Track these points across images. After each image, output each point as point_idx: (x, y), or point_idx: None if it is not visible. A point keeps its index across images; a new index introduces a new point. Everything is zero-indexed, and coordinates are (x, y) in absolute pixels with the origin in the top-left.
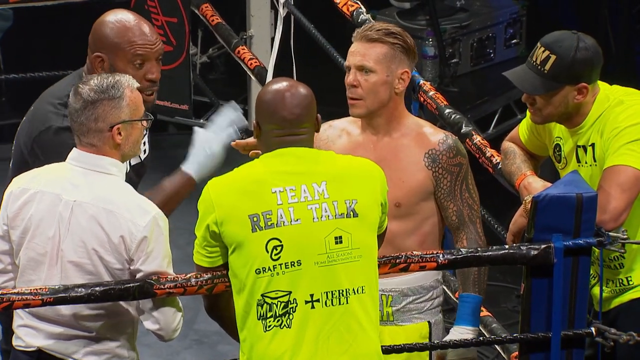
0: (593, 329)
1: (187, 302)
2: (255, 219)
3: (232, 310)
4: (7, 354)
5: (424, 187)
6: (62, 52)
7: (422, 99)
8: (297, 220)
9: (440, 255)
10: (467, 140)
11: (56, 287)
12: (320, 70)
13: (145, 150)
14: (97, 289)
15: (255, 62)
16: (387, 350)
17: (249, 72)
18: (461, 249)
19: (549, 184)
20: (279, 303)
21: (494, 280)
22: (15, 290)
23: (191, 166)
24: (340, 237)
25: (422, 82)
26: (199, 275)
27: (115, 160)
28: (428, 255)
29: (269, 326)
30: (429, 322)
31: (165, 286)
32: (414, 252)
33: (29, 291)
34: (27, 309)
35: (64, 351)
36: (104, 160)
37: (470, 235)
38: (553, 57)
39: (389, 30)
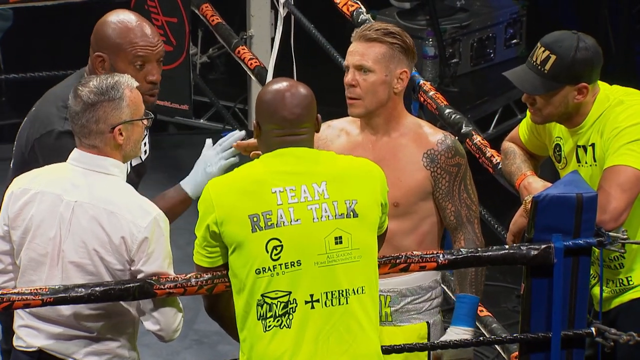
0: (593, 329)
1: (187, 302)
2: (255, 219)
3: (232, 311)
4: (7, 353)
5: (422, 187)
6: (62, 52)
7: (422, 99)
8: (297, 220)
9: (440, 256)
10: (467, 140)
11: (56, 287)
12: (320, 70)
13: (145, 151)
14: (97, 289)
15: (256, 62)
16: (386, 350)
17: (249, 72)
18: (461, 249)
19: (549, 184)
20: (279, 303)
21: (494, 280)
22: (16, 290)
23: (189, 184)
24: (340, 238)
25: (422, 82)
26: (199, 276)
27: (117, 160)
28: (428, 256)
29: (269, 326)
30: (427, 322)
31: (165, 286)
32: (414, 252)
33: (29, 291)
34: (27, 310)
35: (65, 351)
36: (105, 160)
37: (468, 235)
38: (553, 57)
39: (388, 30)
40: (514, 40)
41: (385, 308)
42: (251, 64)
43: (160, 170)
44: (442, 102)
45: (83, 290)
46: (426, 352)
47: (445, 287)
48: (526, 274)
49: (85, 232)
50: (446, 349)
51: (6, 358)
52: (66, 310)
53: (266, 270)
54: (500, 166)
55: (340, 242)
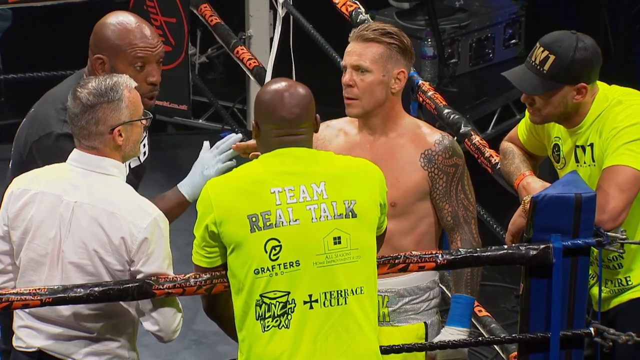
0: (592, 329)
1: (186, 302)
2: (254, 219)
3: (231, 311)
4: (6, 353)
5: (419, 187)
6: (61, 52)
7: (421, 99)
8: (295, 220)
9: (439, 256)
10: (466, 140)
11: (55, 287)
12: (319, 70)
13: (145, 153)
14: (96, 289)
15: (254, 62)
16: (385, 350)
17: (247, 72)
18: (460, 250)
19: (548, 184)
20: (278, 303)
21: (493, 281)
22: (14, 291)
23: (186, 187)
24: (339, 238)
25: (421, 82)
26: (197, 276)
27: (116, 161)
28: (427, 256)
29: (268, 326)
30: (425, 323)
31: (164, 286)
32: (413, 253)
33: (27, 291)
34: (27, 310)
35: (64, 352)
36: (105, 161)
37: (465, 236)
38: (552, 57)
39: (385, 30)
40: (513, 41)
41: (383, 308)
42: (250, 64)
43: (159, 171)
44: (441, 102)
45: (82, 290)
46: (424, 353)
47: (444, 288)
48: (525, 274)
49: (85, 232)
50: (445, 349)
51: (5, 358)
52: (66, 310)
53: (265, 271)
54: (499, 166)
55: (339, 243)
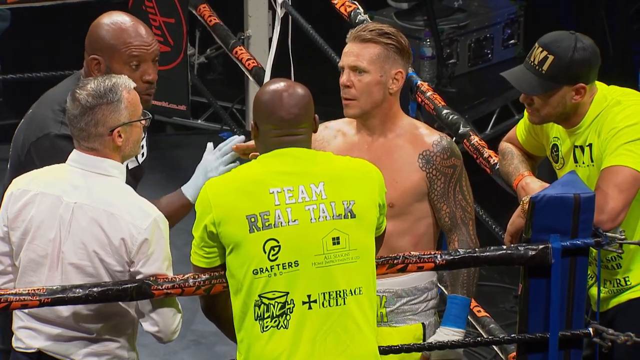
0: (591, 330)
1: (185, 302)
2: (252, 219)
3: (230, 311)
4: (4, 354)
5: (417, 188)
6: (60, 52)
7: (419, 99)
8: (294, 221)
9: (438, 256)
10: (465, 140)
11: (54, 287)
12: (317, 70)
13: (143, 154)
14: (95, 289)
15: (253, 62)
16: (384, 350)
17: (246, 73)
18: (459, 250)
19: (547, 185)
20: (276, 304)
21: (491, 281)
22: (13, 291)
23: (190, 190)
24: (338, 238)
25: (419, 82)
26: (196, 276)
27: (116, 162)
28: (426, 256)
29: (266, 327)
30: (422, 323)
31: (163, 287)
32: (412, 253)
33: (26, 292)
34: (26, 311)
35: (64, 352)
36: (104, 162)
37: (463, 237)
38: (551, 58)
39: (383, 31)
40: (512, 41)
41: (381, 309)
42: (249, 64)
43: (158, 171)
44: (440, 102)
45: (81, 290)
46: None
47: (442, 288)
48: (524, 275)
49: (85, 233)
50: (444, 349)
51: (4, 358)
52: (65, 311)
53: (264, 271)
54: (497, 166)
55: (338, 243)
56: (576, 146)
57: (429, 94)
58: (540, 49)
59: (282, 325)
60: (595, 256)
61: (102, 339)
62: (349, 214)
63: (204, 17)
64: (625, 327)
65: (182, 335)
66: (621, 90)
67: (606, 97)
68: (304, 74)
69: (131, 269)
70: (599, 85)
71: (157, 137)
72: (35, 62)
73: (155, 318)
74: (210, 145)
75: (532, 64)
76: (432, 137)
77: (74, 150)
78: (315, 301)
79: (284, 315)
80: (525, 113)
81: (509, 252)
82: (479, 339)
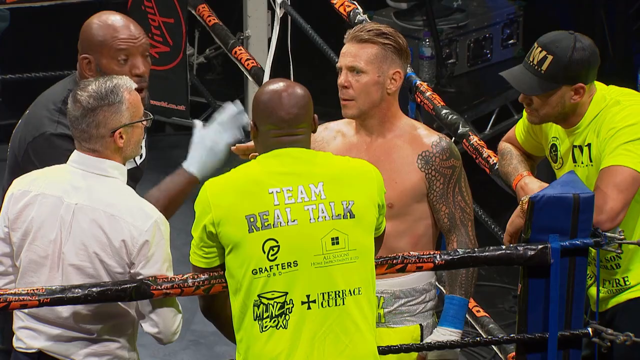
0: (590, 330)
1: (184, 302)
2: (252, 219)
3: (229, 311)
4: (4, 354)
5: (416, 189)
6: (59, 52)
7: (419, 99)
8: (293, 221)
9: (437, 256)
10: (464, 140)
11: (53, 287)
12: (317, 70)
13: (141, 155)
14: (94, 289)
15: (252, 62)
16: (383, 351)
17: (245, 73)
18: (458, 250)
19: (546, 185)
20: (276, 304)
21: (491, 281)
22: (12, 291)
23: (193, 165)
24: (337, 238)
25: (419, 82)
26: (195, 276)
27: (117, 163)
28: (425, 256)
29: (265, 327)
30: (420, 325)
31: (162, 287)
32: (411, 253)
33: (25, 292)
34: (26, 311)
35: (65, 353)
36: (105, 163)
37: (461, 238)
38: (550, 58)
39: (380, 31)
40: (511, 41)
41: (379, 309)
42: (248, 64)
43: (157, 171)
44: (439, 102)
45: (80, 291)
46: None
47: (441, 288)
48: (523, 275)
49: (86, 234)
50: (443, 349)
51: (4, 358)
52: (65, 311)
53: (263, 271)
54: (497, 167)
55: (337, 243)
56: (575, 146)
57: (428, 94)
58: (540, 49)
59: (281, 325)
60: (594, 256)
61: (102, 339)
62: (348, 214)
63: (203, 17)
64: (624, 327)
65: (181, 336)
66: (620, 90)
67: (605, 97)
68: (303, 74)
69: (131, 271)
70: (598, 85)
71: (156, 137)
72: (35, 62)
73: (155, 319)
74: (199, 122)
75: (531, 64)
76: (431, 137)
77: (75, 151)
78: (314, 301)
79: (283, 315)
80: (524, 113)
81: (508, 252)
82: (478, 339)
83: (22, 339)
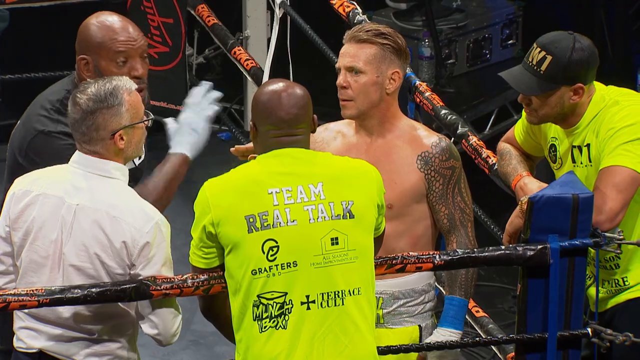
0: (589, 330)
1: (184, 303)
2: (251, 219)
3: (228, 311)
4: (4, 354)
5: (416, 189)
6: (59, 52)
7: (418, 99)
8: (293, 221)
9: (437, 256)
10: (463, 141)
11: (52, 288)
12: (316, 70)
13: (140, 157)
14: (94, 290)
15: (252, 62)
16: (382, 351)
17: (245, 73)
18: (457, 250)
19: (545, 185)
20: (275, 304)
21: (490, 281)
22: (12, 292)
23: (178, 147)
24: (337, 238)
25: (418, 82)
26: (195, 277)
27: (119, 164)
28: (424, 256)
29: (265, 327)
30: (419, 326)
31: (162, 287)
32: (410, 253)
33: (25, 292)
34: (27, 311)
35: (65, 353)
36: (107, 164)
37: (461, 238)
38: (549, 58)
39: (379, 31)
40: (510, 41)
41: (378, 310)
42: (247, 64)
43: None
44: (438, 102)
45: (79, 291)
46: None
47: (441, 288)
48: (522, 275)
49: (87, 235)
50: (442, 349)
51: (3, 358)
52: (66, 311)
53: (262, 271)
54: (496, 167)
55: (337, 243)
56: (574, 146)
57: (427, 94)
58: (539, 49)
59: (280, 326)
60: (593, 256)
61: (102, 339)
62: (348, 215)
63: (202, 17)
64: (624, 327)
65: (181, 336)
66: (619, 91)
67: (604, 97)
68: (302, 74)
69: (131, 272)
70: (597, 85)
71: (155, 137)
72: (35, 62)
73: (154, 320)
74: (170, 119)
75: (531, 64)
76: (431, 138)
77: (76, 151)
78: (313, 301)
79: (283, 316)
80: (524, 113)
81: (508, 252)
82: (477, 339)
83: (22, 338)
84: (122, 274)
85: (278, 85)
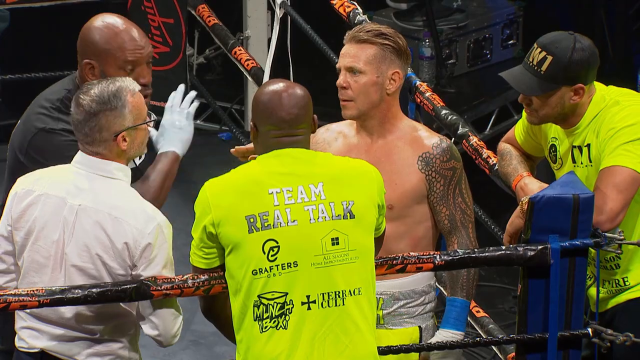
0: (590, 330)
1: (184, 303)
2: (252, 220)
3: (229, 312)
4: (4, 354)
5: (417, 190)
6: (59, 52)
7: (418, 100)
8: (293, 221)
9: (437, 257)
10: (464, 141)
11: (53, 288)
12: (317, 71)
13: (141, 157)
14: (94, 290)
15: (252, 63)
16: (383, 351)
17: (245, 73)
18: (458, 250)
19: (546, 185)
20: (276, 304)
21: (490, 281)
22: (12, 292)
23: (170, 145)
24: (337, 239)
25: (418, 83)
26: (195, 277)
27: (121, 164)
28: (425, 256)
29: (265, 327)
30: (419, 327)
31: (162, 287)
32: (411, 253)
33: (25, 292)
34: (29, 311)
35: (67, 352)
36: (110, 165)
37: (462, 239)
38: (550, 58)
39: (379, 31)
40: (511, 41)
41: (378, 311)
42: (248, 64)
43: None
44: (439, 103)
45: (80, 291)
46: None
47: (441, 288)
48: (523, 275)
49: (89, 236)
50: (442, 349)
51: (3, 359)
52: (68, 311)
53: (263, 271)
54: (496, 167)
55: (337, 243)
56: (574, 146)
57: (427, 94)
58: (539, 49)
59: (281, 326)
60: (594, 256)
61: (104, 339)
62: (348, 215)
63: (202, 17)
64: (624, 327)
65: (181, 336)
66: (619, 91)
67: (604, 97)
68: (303, 74)
69: (133, 273)
70: (598, 85)
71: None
72: (35, 62)
73: (155, 321)
74: (153, 130)
75: (531, 64)
76: (431, 139)
77: (79, 152)
78: (314, 302)
79: (283, 316)
80: (524, 113)
81: (508, 252)
82: (478, 339)
83: (24, 338)
84: (124, 274)
85: (278, 85)
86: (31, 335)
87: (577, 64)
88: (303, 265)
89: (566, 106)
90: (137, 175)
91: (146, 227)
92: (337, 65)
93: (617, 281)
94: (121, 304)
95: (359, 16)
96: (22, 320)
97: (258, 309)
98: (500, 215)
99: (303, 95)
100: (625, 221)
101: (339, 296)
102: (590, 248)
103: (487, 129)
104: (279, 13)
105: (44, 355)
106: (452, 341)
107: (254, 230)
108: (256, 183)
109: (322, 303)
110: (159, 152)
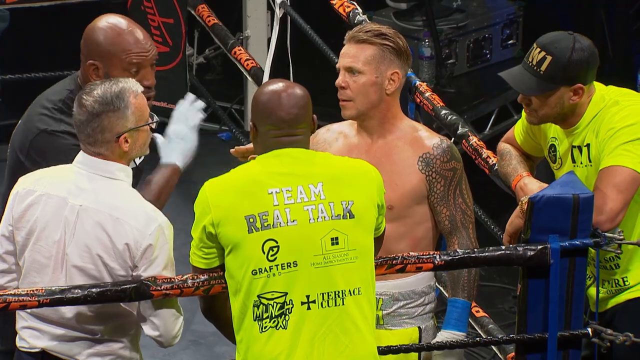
0: (589, 330)
1: (184, 303)
2: (251, 219)
3: (229, 312)
4: (4, 354)
5: (417, 191)
6: (59, 52)
7: (418, 100)
8: (293, 221)
9: (437, 256)
10: (464, 141)
11: (53, 288)
12: (316, 71)
13: (141, 157)
14: (94, 290)
15: (252, 62)
16: (382, 351)
17: (245, 73)
18: (458, 250)
19: (545, 185)
20: (275, 304)
21: (490, 281)
22: (12, 292)
23: (172, 157)
24: (337, 238)
25: (418, 83)
26: (195, 277)
27: (123, 165)
28: (425, 256)
29: (265, 327)
30: (419, 327)
31: (162, 287)
32: (411, 253)
33: (25, 292)
34: (29, 311)
35: (68, 352)
36: (111, 166)
37: (462, 240)
38: (549, 58)
39: (379, 32)
40: (511, 41)
41: (377, 311)
42: (247, 64)
43: None
44: (438, 103)
45: (79, 291)
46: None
47: (441, 288)
48: (522, 275)
49: (90, 237)
50: (442, 349)
51: (3, 359)
52: (68, 311)
53: (262, 271)
54: (496, 167)
55: (337, 243)
56: (574, 146)
57: (427, 94)
58: (539, 49)
59: (280, 326)
60: (593, 256)
61: (105, 339)
62: (348, 214)
63: (202, 17)
64: (624, 327)
65: (181, 336)
66: (619, 91)
67: (604, 97)
68: (302, 74)
69: (134, 273)
70: (597, 85)
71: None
72: (35, 62)
73: (156, 322)
74: (159, 136)
75: (530, 64)
76: (432, 139)
77: (81, 152)
78: (314, 301)
79: (283, 316)
80: (524, 113)
81: (508, 252)
82: (477, 339)
83: (25, 338)
84: (125, 275)
85: (278, 85)
86: (32, 335)
87: (576, 64)
88: (303, 265)
89: (565, 106)
90: (138, 175)
91: (147, 228)
92: (337, 65)
93: (616, 281)
94: (122, 304)
95: (358, 16)
96: (23, 320)
97: (258, 309)
98: (500, 215)
99: (302, 95)
100: (625, 221)
101: (338, 296)
102: (590, 248)
103: (487, 129)
104: (278, 13)
105: (45, 355)
106: (452, 341)
107: (254, 230)
108: (256, 183)
109: (321, 303)
110: (159, 163)
